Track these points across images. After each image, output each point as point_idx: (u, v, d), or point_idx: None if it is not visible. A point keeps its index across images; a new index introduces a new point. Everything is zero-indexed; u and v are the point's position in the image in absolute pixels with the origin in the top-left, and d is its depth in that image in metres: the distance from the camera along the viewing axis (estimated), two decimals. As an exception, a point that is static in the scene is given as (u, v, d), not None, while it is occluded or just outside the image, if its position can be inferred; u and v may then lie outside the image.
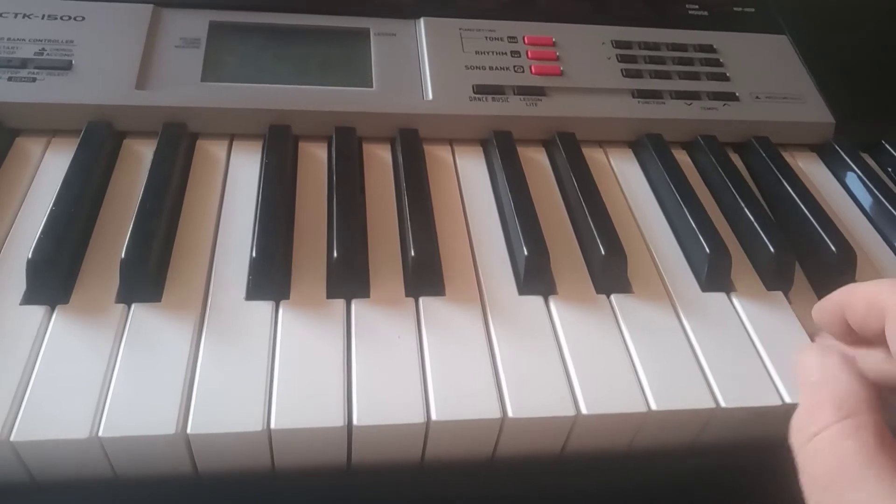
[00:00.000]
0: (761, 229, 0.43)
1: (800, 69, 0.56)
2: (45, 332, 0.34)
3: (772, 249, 0.42)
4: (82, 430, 0.30)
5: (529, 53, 0.53)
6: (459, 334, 0.36)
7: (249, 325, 0.35)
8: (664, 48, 0.55)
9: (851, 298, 0.33)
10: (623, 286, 0.40)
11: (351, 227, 0.40)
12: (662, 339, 0.37)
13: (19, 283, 0.36)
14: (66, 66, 0.46)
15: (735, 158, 0.52)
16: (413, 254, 0.39)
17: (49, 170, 0.43)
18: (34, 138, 0.45)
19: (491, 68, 0.51)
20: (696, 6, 0.59)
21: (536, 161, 0.49)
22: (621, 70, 0.53)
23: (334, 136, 0.47)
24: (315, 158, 0.47)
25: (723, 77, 0.54)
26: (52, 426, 0.30)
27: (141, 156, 0.45)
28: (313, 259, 0.39)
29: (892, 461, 0.26)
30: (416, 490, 0.35)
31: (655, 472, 0.37)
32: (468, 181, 0.47)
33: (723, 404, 0.35)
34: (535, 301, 0.39)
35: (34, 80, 0.46)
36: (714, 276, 0.41)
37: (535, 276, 0.39)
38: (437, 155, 0.49)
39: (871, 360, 0.32)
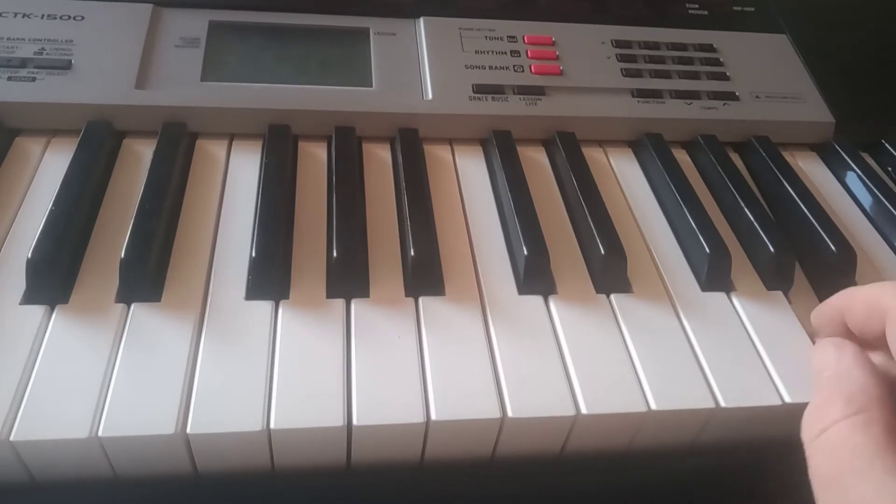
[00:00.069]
0: (761, 229, 0.43)
1: (800, 69, 0.56)
2: (45, 332, 0.34)
3: (772, 249, 0.42)
4: (82, 429, 0.30)
5: (529, 53, 0.53)
6: (459, 334, 0.36)
7: (249, 324, 0.35)
8: (664, 47, 0.55)
9: (851, 302, 0.33)
10: (623, 286, 0.40)
11: (351, 226, 0.40)
12: (662, 339, 0.37)
13: (19, 283, 0.36)
14: (66, 66, 0.46)
15: (735, 158, 0.52)
16: (413, 254, 0.39)
17: (49, 169, 0.43)
18: (34, 138, 0.45)
19: (491, 68, 0.51)
20: (696, 5, 0.59)
21: (536, 161, 0.49)
22: (621, 69, 0.53)
23: (334, 136, 0.47)
24: (315, 158, 0.47)
25: (723, 76, 0.54)
26: (51, 426, 0.30)
27: (140, 155, 0.45)
28: (313, 259, 0.39)
29: None
30: (416, 490, 0.35)
31: (655, 472, 0.37)
32: (468, 181, 0.47)
33: (723, 404, 0.34)
34: (535, 301, 0.39)
35: (34, 79, 0.46)
36: (714, 276, 0.41)
37: (535, 276, 0.39)
38: (436, 154, 0.48)
39: None
